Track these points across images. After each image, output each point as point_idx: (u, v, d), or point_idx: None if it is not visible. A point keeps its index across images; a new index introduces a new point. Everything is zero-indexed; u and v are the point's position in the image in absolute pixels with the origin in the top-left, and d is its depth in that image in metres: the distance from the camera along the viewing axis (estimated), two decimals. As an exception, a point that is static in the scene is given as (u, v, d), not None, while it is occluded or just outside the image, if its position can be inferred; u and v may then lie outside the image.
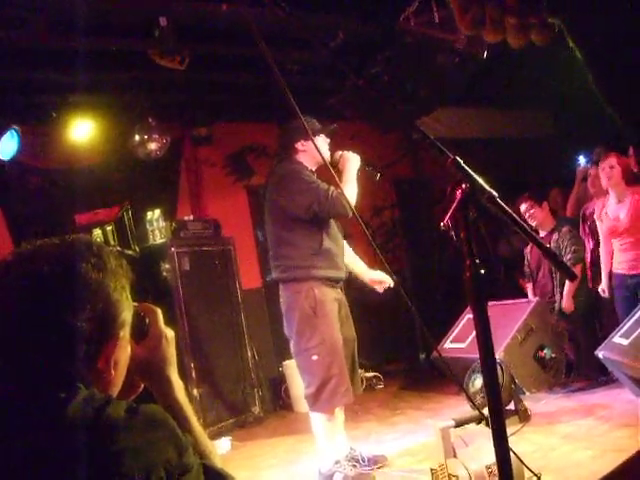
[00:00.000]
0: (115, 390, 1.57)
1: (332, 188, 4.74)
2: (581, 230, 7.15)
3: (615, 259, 6.39)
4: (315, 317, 4.79)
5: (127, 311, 1.54)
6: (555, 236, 7.19)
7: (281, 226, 4.99)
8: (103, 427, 1.32)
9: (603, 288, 6.54)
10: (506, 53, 7.13)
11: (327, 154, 4.96)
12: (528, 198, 7.34)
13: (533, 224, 7.21)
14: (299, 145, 5.04)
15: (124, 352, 1.57)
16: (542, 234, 7.24)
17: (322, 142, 4.97)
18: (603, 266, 6.57)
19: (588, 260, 7.02)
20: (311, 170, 5.05)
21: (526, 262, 7.68)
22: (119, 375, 1.56)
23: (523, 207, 7.30)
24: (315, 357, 4.79)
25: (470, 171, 1.77)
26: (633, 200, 6.19)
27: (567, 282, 6.93)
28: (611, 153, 6.36)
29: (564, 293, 7.02)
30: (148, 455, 1.32)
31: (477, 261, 1.77)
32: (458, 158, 1.79)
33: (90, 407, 1.35)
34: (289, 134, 5.13)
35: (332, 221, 5.02)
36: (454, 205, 1.77)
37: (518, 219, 1.82)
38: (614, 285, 6.45)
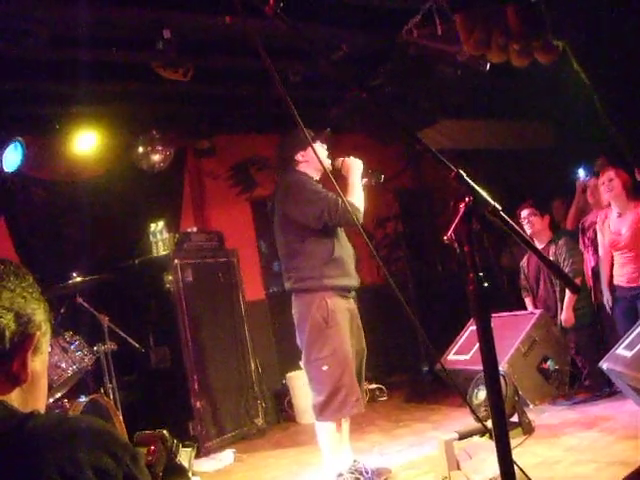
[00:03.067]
0: (41, 397, 1.55)
1: (338, 197, 4.74)
2: (580, 242, 7.13)
3: (615, 272, 6.39)
4: (327, 327, 4.79)
5: (41, 313, 1.54)
6: (553, 249, 7.20)
7: (292, 237, 4.99)
8: (25, 439, 1.29)
9: (608, 299, 6.51)
10: (508, 65, 7.18)
11: (327, 161, 4.96)
12: (531, 205, 7.35)
13: (528, 232, 7.20)
14: (299, 156, 5.04)
15: (43, 358, 1.55)
16: (539, 246, 7.24)
17: (320, 149, 4.96)
18: (603, 278, 6.55)
19: (589, 272, 7.01)
20: (315, 180, 5.06)
21: (523, 275, 7.67)
22: (37, 386, 1.54)
23: (524, 213, 7.30)
24: (326, 367, 4.79)
25: (473, 184, 1.78)
26: (635, 215, 6.18)
27: (567, 295, 6.93)
28: (610, 166, 6.36)
29: (564, 306, 7.02)
30: (71, 460, 1.26)
31: (480, 274, 1.77)
32: (461, 171, 1.79)
33: (12, 421, 1.33)
34: (288, 147, 5.13)
35: (340, 228, 5.02)
36: (457, 218, 1.77)
37: (521, 232, 1.83)
38: (615, 297, 6.44)
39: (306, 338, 4.90)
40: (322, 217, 4.76)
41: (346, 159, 5.03)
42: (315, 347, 4.85)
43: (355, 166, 5.00)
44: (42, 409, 1.56)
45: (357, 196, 4.85)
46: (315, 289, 4.85)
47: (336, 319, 4.82)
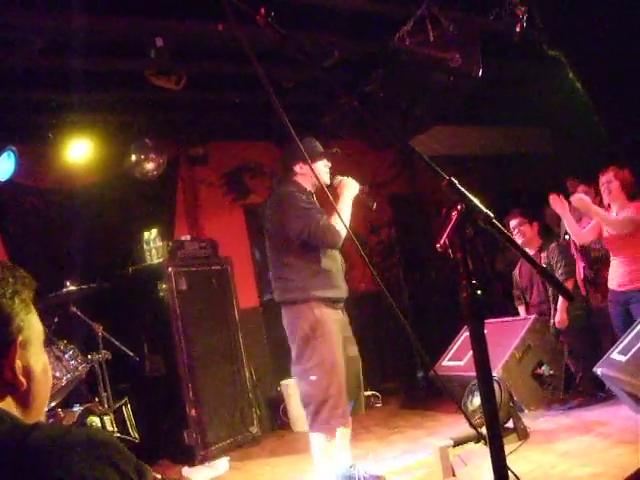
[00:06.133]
0: (38, 403, 1.51)
1: (325, 218, 4.74)
2: (572, 248, 7.15)
3: (610, 275, 6.40)
4: (314, 338, 4.78)
5: (24, 315, 1.48)
6: (544, 254, 7.22)
7: (279, 247, 4.99)
8: (28, 452, 1.26)
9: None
10: (503, 70, 7.19)
11: (326, 176, 4.98)
12: (519, 214, 7.38)
13: (520, 241, 7.21)
14: (297, 167, 5.04)
15: (37, 359, 1.52)
16: (530, 253, 7.26)
17: (322, 165, 4.99)
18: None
19: (581, 277, 7.03)
20: (310, 192, 5.05)
21: (515, 284, 7.68)
22: (37, 385, 1.51)
23: (513, 223, 7.32)
24: (314, 377, 4.77)
25: (466, 192, 1.77)
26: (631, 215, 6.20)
27: (560, 297, 6.94)
28: (609, 167, 6.36)
29: (558, 308, 7.03)
30: (72, 473, 1.24)
31: (473, 282, 1.77)
32: (453, 179, 1.79)
33: (16, 433, 1.30)
34: (289, 155, 5.13)
35: None
36: (450, 226, 1.77)
37: (514, 239, 1.83)
38: (609, 300, 6.45)
39: (296, 349, 4.90)
40: (302, 234, 4.77)
41: (343, 179, 5.03)
42: (304, 358, 4.84)
43: (349, 187, 4.99)
44: (43, 410, 1.55)
45: (343, 216, 4.83)
46: (302, 300, 4.84)
47: (324, 329, 4.80)
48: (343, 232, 4.77)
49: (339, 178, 5.05)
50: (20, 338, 1.46)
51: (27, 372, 1.47)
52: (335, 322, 4.91)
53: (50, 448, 1.28)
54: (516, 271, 7.66)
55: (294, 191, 4.99)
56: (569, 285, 6.98)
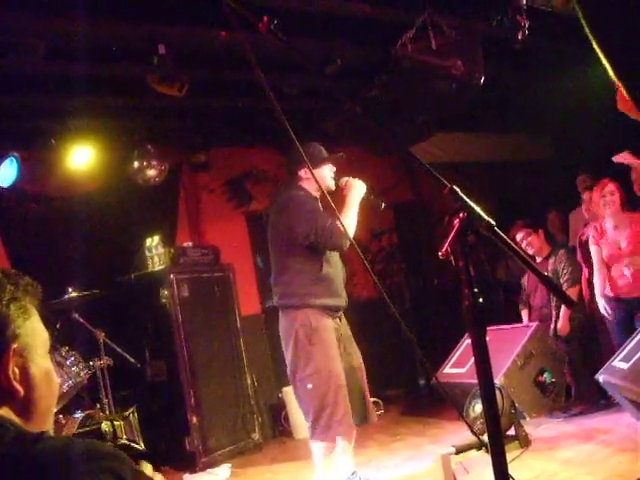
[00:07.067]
0: (41, 410, 1.50)
1: (330, 220, 4.71)
2: (579, 255, 7.14)
3: (614, 283, 6.39)
4: (310, 345, 4.74)
5: (21, 322, 1.48)
6: (552, 260, 7.22)
7: (282, 252, 4.97)
8: (32, 463, 1.26)
9: (605, 306, 6.45)
10: (504, 77, 7.19)
11: (331, 182, 4.96)
12: (522, 227, 7.39)
13: (530, 252, 7.23)
14: (302, 173, 5.01)
15: (38, 366, 1.50)
16: (538, 260, 7.27)
17: (327, 170, 4.96)
18: (598, 288, 6.51)
19: (585, 284, 7.02)
20: (315, 197, 5.02)
21: (523, 289, 7.70)
22: (37, 392, 1.49)
23: (519, 236, 7.32)
24: (310, 386, 4.74)
25: (468, 200, 1.77)
26: (633, 228, 6.22)
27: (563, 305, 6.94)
28: (607, 179, 6.38)
29: (560, 315, 7.02)
30: None
31: (475, 290, 1.77)
32: (455, 187, 1.79)
33: (20, 443, 1.31)
34: (294, 160, 5.11)
35: None
36: (452, 234, 1.77)
37: (515, 247, 1.83)
38: (611, 308, 6.44)
39: (291, 356, 4.86)
40: (309, 237, 4.73)
41: (349, 180, 5.01)
42: (300, 365, 4.80)
43: (356, 188, 4.97)
44: (48, 417, 1.54)
45: (348, 221, 4.80)
46: (299, 306, 4.81)
47: (320, 337, 4.76)
48: (350, 232, 4.75)
49: (345, 179, 5.03)
50: (15, 345, 1.45)
51: (25, 379, 1.47)
52: (332, 330, 4.87)
53: (54, 460, 1.28)
54: (525, 277, 7.69)
55: (300, 195, 4.97)
56: (574, 291, 6.99)
